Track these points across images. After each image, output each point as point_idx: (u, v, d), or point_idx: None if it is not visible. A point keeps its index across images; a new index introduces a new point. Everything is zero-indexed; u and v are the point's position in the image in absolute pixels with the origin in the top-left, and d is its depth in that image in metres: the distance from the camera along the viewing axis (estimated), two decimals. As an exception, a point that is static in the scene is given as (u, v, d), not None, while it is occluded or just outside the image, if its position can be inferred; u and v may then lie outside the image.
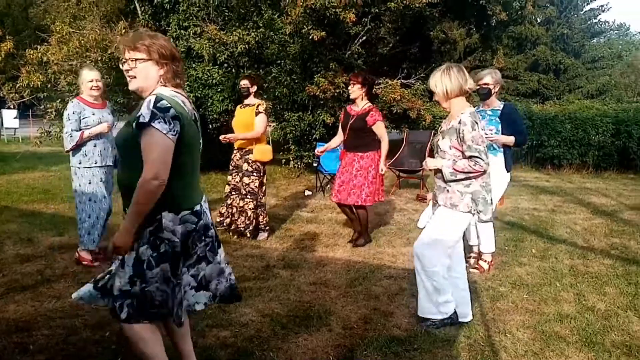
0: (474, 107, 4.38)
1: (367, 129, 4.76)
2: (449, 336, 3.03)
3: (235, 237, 5.09)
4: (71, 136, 4.06)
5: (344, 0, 7.03)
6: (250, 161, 4.98)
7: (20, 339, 2.96)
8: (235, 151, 5.12)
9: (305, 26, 7.48)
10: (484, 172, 3.00)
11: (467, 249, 4.58)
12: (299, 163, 9.41)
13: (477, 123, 2.97)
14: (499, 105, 4.26)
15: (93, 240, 4.27)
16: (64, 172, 10.10)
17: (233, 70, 8.18)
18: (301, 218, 6.20)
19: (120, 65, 2.18)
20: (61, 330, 3.09)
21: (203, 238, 2.18)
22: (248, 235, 5.04)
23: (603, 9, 29.45)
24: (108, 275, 2.23)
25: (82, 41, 5.92)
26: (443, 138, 3.11)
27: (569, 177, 9.81)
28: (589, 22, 29.73)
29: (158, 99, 1.96)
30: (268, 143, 5.23)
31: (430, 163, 3.18)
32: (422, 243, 3.16)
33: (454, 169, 2.98)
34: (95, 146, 4.18)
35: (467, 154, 2.95)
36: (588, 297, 3.67)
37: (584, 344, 2.96)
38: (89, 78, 4.16)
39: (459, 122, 2.98)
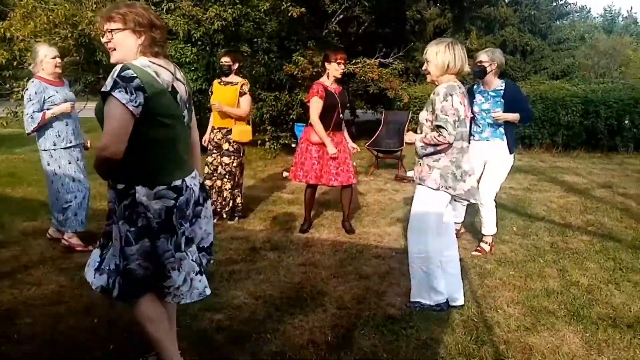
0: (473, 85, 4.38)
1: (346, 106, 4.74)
2: (443, 314, 3.06)
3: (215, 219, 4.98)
4: (32, 117, 3.83)
5: (323, -23, 6.90)
6: (231, 141, 4.87)
7: (2, 328, 2.83)
8: (215, 131, 4.95)
9: (284, 2, 7.30)
10: (449, 144, 2.91)
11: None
12: (275, 144, 9.29)
13: (451, 95, 2.88)
14: (500, 84, 4.13)
15: (81, 221, 4.15)
16: (29, 154, 9.68)
17: (207, 48, 7.95)
18: (282, 199, 6.14)
19: (101, 39, 2.09)
20: (45, 318, 2.97)
21: (187, 216, 2.10)
22: (224, 216, 4.95)
23: (569, -10, 29.94)
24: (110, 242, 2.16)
25: (51, 16, 5.60)
26: (422, 110, 3.11)
27: (540, 157, 10.04)
28: (554, 4, 30.23)
29: (124, 68, 1.90)
30: (248, 123, 5.12)
31: (406, 137, 3.20)
32: (409, 227, 3.18)
33: (423, 142, 2.97)
34: (67, 125, 4.02)
35: (434, 124, 2.91)
36: (571, 273, 3.77)
37: (572, 317, 3.04)
38: (52, 55, 3.94)
39: (434, 93, 2.95)
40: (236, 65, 4.92)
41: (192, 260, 2.13)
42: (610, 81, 14.75)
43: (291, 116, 8.88)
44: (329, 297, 3.30)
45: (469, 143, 3.16)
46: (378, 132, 8.41)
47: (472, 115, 3.99)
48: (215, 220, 4.82)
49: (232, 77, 4.92)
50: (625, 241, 4.50)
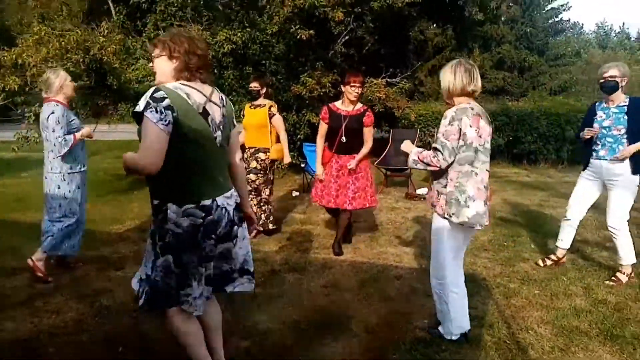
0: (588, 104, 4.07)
1: (362, 129, 4.56)
2: (474, 335, 3.00)
3: None
4: (65, 140, 3.85)
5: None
6: (260, 159, 5.05)
7: (27, 358, 2.77)
8: (245, 149, 5.11)
9: (293, 25, 7.37)
10: (440, 168, 2.81)
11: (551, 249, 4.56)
12: (282, 163, 9.26)
13: (459, 119, 2.78)
14: (624, 100, 3.87)
15: (73, 246, 4.11)
16: (36, 177, 9.65)
17: (216, 71, 7.99)
18: (294, 219, 6.10)
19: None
20: (69, 347, 2.92)
21: (212, 235, 2.18)
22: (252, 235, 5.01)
23: (564, 8, 30.40)
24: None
25: (63, 42, 5.63)
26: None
27: (547, 172, 10.04)
28: (550, 21, 30.63)
29: (156, 90, 2.03)
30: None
31: (403, 145, 3.08)
32: (431, 253, 3.06)
33: (417, 156, 2.89)
34: (82, 149, 4.08)
35: (433, 145, 2.87)
36: (596, 290, 3.72)
37: (605, 337, 2.99)
38: (69, 78, 4.03)
39: (443, 116, 2.88)
40: (264, 90, 5.17)
41: (207, 274, 2.26)
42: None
43: (299, 136, 8.89)
44: (356, 320, 3.24)
45: (478, 167, 2.85)
46: (386, 151, 8.42)
47: (594, 133, 3.92)
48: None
49: (261, 100, 5.14)
50: (646, 257, 4.45)
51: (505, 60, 26.98)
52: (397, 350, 2.84)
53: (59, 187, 3.98)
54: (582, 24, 60.74)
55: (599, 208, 6.42)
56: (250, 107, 5.23)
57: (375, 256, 4.62)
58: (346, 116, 4.51)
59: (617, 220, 3.95)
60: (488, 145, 2.88)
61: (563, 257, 4.33)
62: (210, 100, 2.18)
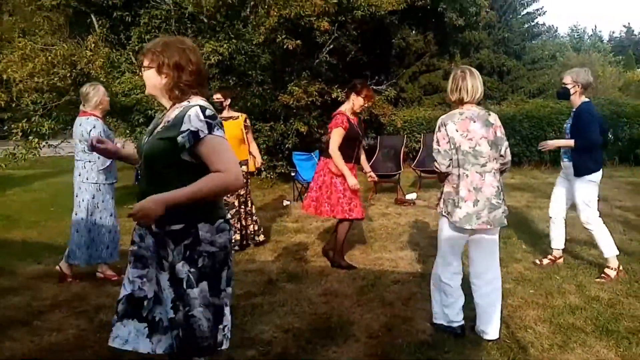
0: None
1: None
2: (475, 337, 3.06)
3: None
4: None
5: (318, 9, 7.05)
6: (242, 172, 4.97)
7: (30, 378, 2.75)
8: None
9: (279, 35, 7.43)
10: (441, 172, 3.05)
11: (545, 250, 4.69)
12: (271, 173, 9.31)
13: (445, 125, 2.99)
14: (579, 104, 4.10)
15: (111, 254, 4.29)
16: (21, 195, 9.55)
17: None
18: (288, 228, 6.12)
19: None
20: (73, 364, 2.89)
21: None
22: (236, 247, 4.98)
23: (539, 12, 31.00)
24: (146, 301, 2.00)
25: (49, 57, 5.60)
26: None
27: (531, 173, 10.24)
28: (526, 25, 31.21)
29: (203, 108, 1.89)
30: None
31: None
32: None
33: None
34: (114, 162, 4.24)
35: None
36: (589, 288, 3.82)
37: (601, 332, 3.07)
38: (107, 93, 4.23)
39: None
40: (228, 101, 5.09)
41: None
42: (592, 97, 15.15)
43: (287, 145, 8.93)
44: (358, 326, 3.28)
45: (469, 169, 2.98)
46: (375, 157, 8.51)
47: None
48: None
49: (228, 112, 5.08)
50: (634, 254, 4.59)
51: (485, 65, 27.37)
52: (401, 353, 2.88)
53: (93, 197, 4.19)
54: (557, 28, 62.17)
55: (584, 207, 6.62)
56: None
57: (371, 262, 4.67)
58: (357, 125, 4.50)
59: (586, 215, 4.13)
60: (480, 148, 2.96)
61: (560, 257, 4.45)
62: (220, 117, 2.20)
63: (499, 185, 3.03)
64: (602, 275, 4.04)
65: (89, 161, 4.13)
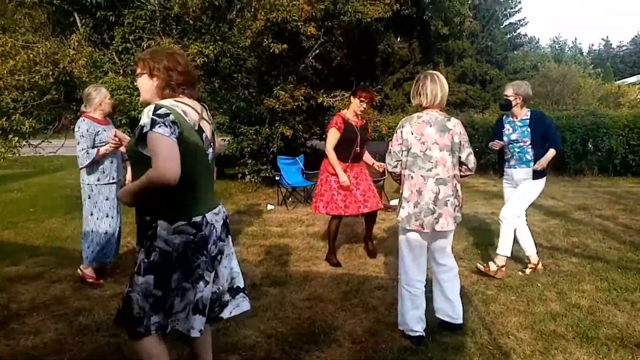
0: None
1: (366, 140, 4.87)
2: (457, 342, 3.09)
3: None
4: (87, 153, 4.05)
5: (305, 14, 7.06)
6: None
7: (6, 383, 2.68)
8: None
9: (265, 39, 7.42)
10: (393, 172, 3.22)
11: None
12: (255, 177, 9.26)
13: (402, 126, 3.15)
14: (526, 114, 4.31)
15: (106, 254, 4.27)
16: (-2, 195, 9.34)
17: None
18: (272, 233, 6.09)
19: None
20: (51, 369, 2.83)
21: (203, 251, 2.12)
22: None
23: (521, 23, 31.64)
24: None
25: (31, 55, 5.49)
26: None
27: (513, 182, 10.36)
28: (509, 36, 31.79)
29: (157, 107, 2.00)
30: None
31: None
32: None
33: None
34: (112, 162, 4.25)
35: None
36: (569, 295, 3.87)
37: (581, 339, 3.12)
38: (108, 95, 4.26)
39: None
40: None
41: (195, 295, 2.13)
42: (572, 108, 15.47)
43: (272, 149, 8.90)
44: (341, 331, 3.27)
45: (415, 172, 3.11)
46: (359, 163, 8.52)
47: (502, 145, 4.36)
48: None
49: None
50: (612, 261, 4.67)
51: (468, 73, 27.82)
52: (384, 359, 2.89)
53: (89, 197, 4.22)
54: (539, 39, 63.36)
55: (565, 216, 6.74)
56: None
57: (355, 267, 4.67)
58: (357, 127, 4.71)
59: (509, 211, 4.36)
60: (430, 152, 3.06)
61: (538, 262, 4.49)
62: (203, 118, 2.18)
63: (444, 192, 3.06)
64: (485, 265, 4.37)
65: (80, 163, 4.14)
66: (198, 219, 2.10)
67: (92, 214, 4.22)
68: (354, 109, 4.68)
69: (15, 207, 8.07)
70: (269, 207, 7.74)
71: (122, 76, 7.60)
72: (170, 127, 1.96)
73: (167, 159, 1.93)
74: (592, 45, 72.50)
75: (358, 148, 4.71)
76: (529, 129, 4.25)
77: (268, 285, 4.19)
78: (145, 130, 1.96)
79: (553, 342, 3.08)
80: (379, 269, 4.61)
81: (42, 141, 7.06)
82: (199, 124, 2.14)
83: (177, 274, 2.08)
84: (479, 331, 3.24)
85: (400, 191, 3.22)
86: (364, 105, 4.65)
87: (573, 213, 6.96)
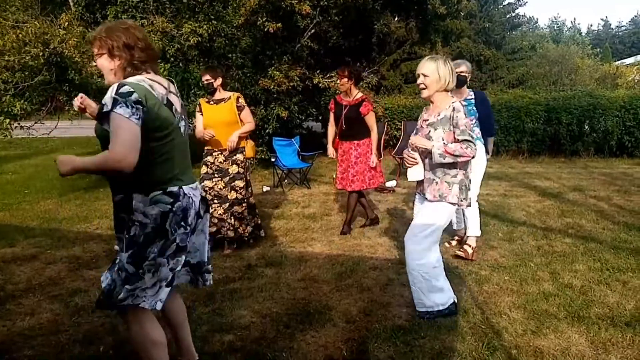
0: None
1: (361, 118, 4.97)
2: (450, 322, 3.11)
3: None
4: None
5: (300, -9, 6.96)
6: (239, 162, 4.60)
7: (2, 363, 2.70)
8: (215, 153, 4.57)
9: (260, 18, 7.31)
10: (472, 157, 3.00)
11: (450, 233, 4.76)
12: (251, 158, 9.21)
13: (467, 112, 3.08)
14: (470, 93, 4.41)
15: None
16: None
17: (181, 65, 7.86)
18: (267, 214, 6.10)
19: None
20: (47, 348, 2.85)
21: (182, 223, 2.09)
22: (251, 242, 4.77)
23: (520, 3, 31.31)
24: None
25: (20, 35, 5.39)
26: (436, 129, 3.10)
27: (509, 163, 10.37)
28: (507, 16, 31.48)
29: (120, 85, 1.95)
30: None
31: (419, 142, 3.12)
32: (410, 239, 3.19)
33: (445, 151, 2.96)
34: None
35: (460, 137, 2.97)
36: (562, 275, 3.91)
37: (573, 318, 3.15)
38: None
39: (453, 110, 3.03)
40: (219, 81, 4.50)
41: (169, 269, 2.10)
42: (569, 89, 15.40)
43: (267, 130, 8.85)
44: (336, 311, 3.30)
45: None
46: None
47: None
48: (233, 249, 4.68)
49: (220, 94, 4.55)
50: (605, 242, 4.70)
51: (464, 54, 27.54)
52: (378, 338, 2.91)
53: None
54: (537, 19, 62.79)
55: (559, 197, 6.76)
56: (208, 102, 4.57)
57: (350, 248, 4.69)
58: (346, 105, 5.02)
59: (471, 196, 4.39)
60: None
61: (474, 250, 4.39)
62: (170, 91, 2.16)
63: None
64: (461, 249, 4.38)
65: None
66: (174, 189, 2.07)
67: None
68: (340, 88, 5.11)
69: (10, 188, 8.05)
70: (265, 188, 7.74)
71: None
72: (132, 107, 1.90)
73: (124, 144, 1.88)
74: (591, 25, 72.02)
75: (344, 126, 5.02)
76: (474, 108, 4.35)
77: (263, 266, 4.21)
78: (105, 109, 1.91)
79: (545, 322, 3.11)
80: (374, 250, 4.63)
81: (35, 123, 7.00)
82: (167, 98, 2.10)
83: (154, 247, 2.03)
84: (471, 311, 3.27)
85: (451, 181, 3.10)
86: (340, 81, 5.00)
87: (568, 194, 6.99)
